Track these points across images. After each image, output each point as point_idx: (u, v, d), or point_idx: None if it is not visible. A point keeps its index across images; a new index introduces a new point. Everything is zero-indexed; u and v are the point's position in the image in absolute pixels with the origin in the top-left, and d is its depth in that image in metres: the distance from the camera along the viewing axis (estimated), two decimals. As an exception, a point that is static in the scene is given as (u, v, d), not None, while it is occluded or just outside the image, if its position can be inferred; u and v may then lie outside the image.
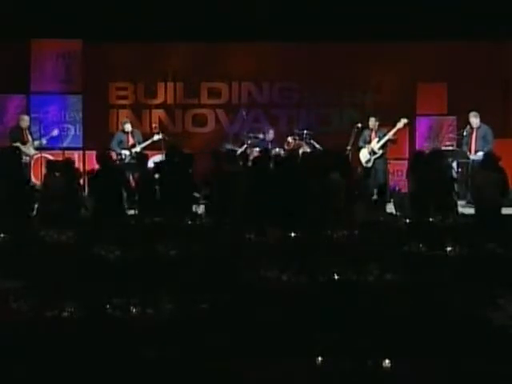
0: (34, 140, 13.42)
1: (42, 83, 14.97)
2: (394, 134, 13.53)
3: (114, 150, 13.45)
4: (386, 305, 6.40)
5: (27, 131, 13.48)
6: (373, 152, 13.45)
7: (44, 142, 13.62)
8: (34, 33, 14.50)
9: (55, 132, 14.00)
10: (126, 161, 13.35)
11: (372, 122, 13.67)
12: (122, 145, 13.66)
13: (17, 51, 14.72)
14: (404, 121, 13.60)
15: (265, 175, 10.33)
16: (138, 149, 13.44)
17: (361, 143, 13.68)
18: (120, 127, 14.36)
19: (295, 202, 9.50)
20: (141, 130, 14.47)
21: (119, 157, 13.47)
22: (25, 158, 12.72)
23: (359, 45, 14.65)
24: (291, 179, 9.97)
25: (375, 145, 13.47)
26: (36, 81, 14.96)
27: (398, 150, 14.38)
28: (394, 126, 13.54)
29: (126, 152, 13.51)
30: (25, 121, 13.54)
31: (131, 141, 13.68)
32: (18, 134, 13.32)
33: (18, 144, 12.88)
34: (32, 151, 13.34)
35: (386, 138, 13.47)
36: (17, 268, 7.43)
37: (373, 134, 13.65)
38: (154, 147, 13.85)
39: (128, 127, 13.80)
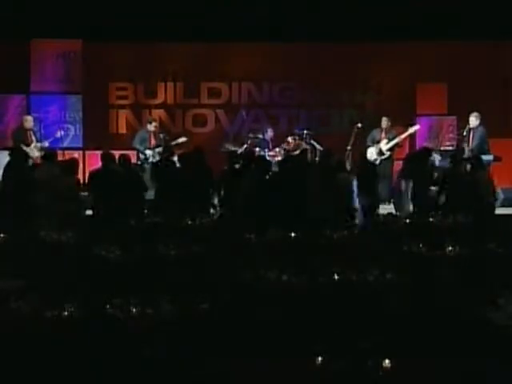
0: (37, 141, 13.03)
1: (42, 83, 14.98)
2: (404, 138, 13.63)
3: (137, 149, 13.42)
4: (386, 305, 6.40)
5: (31, 132, 13.15)
6: (381, 153, 13.46)
7: (47, 144, 13.09)
8: (34, 33, 14.51)
9: (59, 134, 13.69)
10: (150, 160, 13.11)
11: (384, 122, 13.67)
12: (144, 144, 13.50)
13: (17, 51, 14.71)
14: (416, 127, 13.70)
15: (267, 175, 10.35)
16: (160, 149, 13.06)
17: (369, 142, 13.67)
18: (143, 126, 14.16)
19: (296, 202, 9.52)
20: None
21: (143, 156, 13.37)
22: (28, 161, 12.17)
23: (359, 45, 14.65)
24: (292, 178, 9.98)
25: (384, 146, 13.49)
26: (36, 81, 14.97)
27: (398, 150, 14.37)
28: (405, 128, 13.61)
29: (150, 152, 13.29)
30: (28, 121, 13.20)
31: (153, 141, 13.53)
32: (22, 136, 12.99)
33: (21, 146, 12.54)
34: (36, 153, 12.76)
35: (396, 141, 13.51)
36: (17, 268, 7.44)
37: (383, 135, 13.64)
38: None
39: (152, 127, 13.65)
